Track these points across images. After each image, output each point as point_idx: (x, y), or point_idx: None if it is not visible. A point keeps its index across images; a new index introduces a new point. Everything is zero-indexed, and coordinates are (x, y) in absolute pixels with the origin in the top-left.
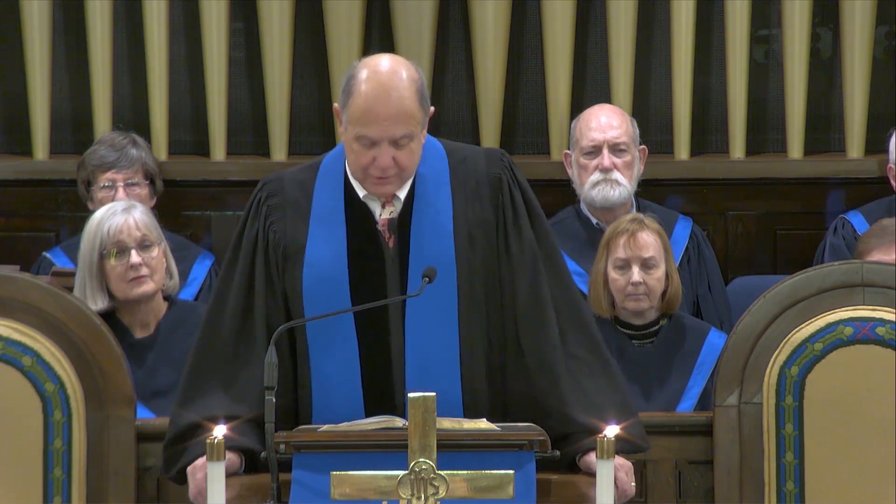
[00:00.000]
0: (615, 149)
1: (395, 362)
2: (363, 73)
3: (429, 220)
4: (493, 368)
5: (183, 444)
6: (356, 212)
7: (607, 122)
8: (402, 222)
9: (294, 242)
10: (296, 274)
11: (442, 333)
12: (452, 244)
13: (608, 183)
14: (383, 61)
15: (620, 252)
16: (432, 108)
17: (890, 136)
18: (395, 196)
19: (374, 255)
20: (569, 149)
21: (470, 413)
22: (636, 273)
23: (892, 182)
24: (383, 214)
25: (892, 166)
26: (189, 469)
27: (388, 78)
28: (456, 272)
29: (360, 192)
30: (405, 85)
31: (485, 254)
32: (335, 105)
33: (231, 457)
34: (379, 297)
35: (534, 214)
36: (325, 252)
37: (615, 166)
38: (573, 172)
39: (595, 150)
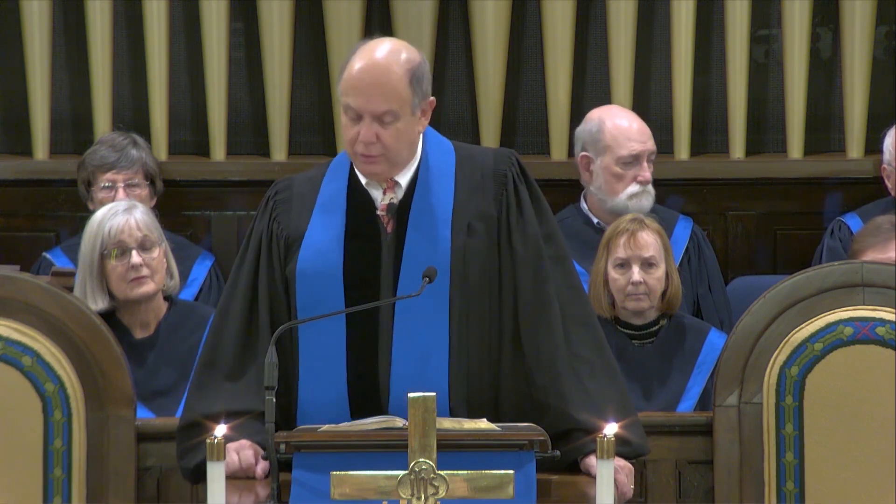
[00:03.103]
0: (649, 159)
1: (382, 353)
2: (360, 48)
3: (429, 207)
4: (487, 363)
5: (197, 435)
6: (358, 198)
7: (643, 130)
8: (403, 209)
9: (296, 231)
10: (295, 258)
11: (432, 324)
12: (449, 232)
13: (646, 194)
14: (384, 40)
15: (620, 252)
16: (433, 99)
17: (883, 135)
18: (396, 183)
19: (370, 239)
20: (572, 153)
21: (457, 409)
22: (636, 273)
23: (887, 182)
24: (384, 200)
25: (887, 166)
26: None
27: (380, 54)
28: (450, 259)
29: (363, 179)
30: (397, 62)
31: (484, 246)
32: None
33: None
34: (372, 281)
35: (542, 213)
36: (323, 235)
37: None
38: (596, 177)
39: (633, 161)
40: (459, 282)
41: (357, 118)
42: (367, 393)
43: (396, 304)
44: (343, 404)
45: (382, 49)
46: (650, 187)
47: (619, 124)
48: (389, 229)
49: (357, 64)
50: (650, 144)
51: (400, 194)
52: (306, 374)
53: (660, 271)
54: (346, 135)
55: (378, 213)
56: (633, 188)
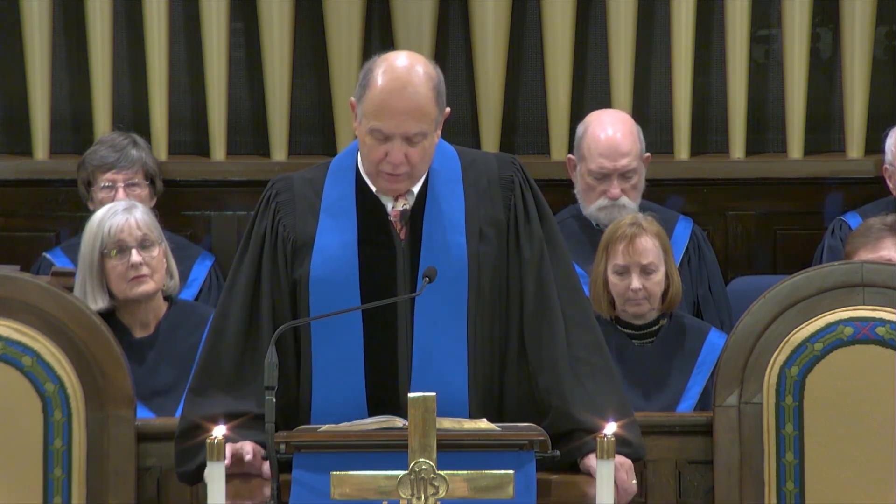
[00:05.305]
0: (623, 176)
1: (402, 358)
2: (381, 67)
3: (441, 213)
4: (495, 367)
5: (195, 439)
6: (367, 203)
7: (616, 147)
8: (414, 215)
9: (304, 235)
10: (305, 264)
11: (451, 329)
12: (464, 238)
13: (616, 208)
14: (401, 57)
15: (619, 258)
16: (448, 109)
17: (885, 136)
18: (408, 189)
19: (384, 246)
20: (571, 152)
21: (474, 412)
22: (635, 280)
23: (888, 183)
24: (396, 206)
25: (888, 167)
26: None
27: (404, 73)
28: (467, 266)
29: (373, 186)
30: (422, 81)
31: (495, 252)
32: (351, 99)
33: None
34: (389, 288)
35: (544, 216)
36: (334, 240)
37: (623, 192)
38: (577, 181)
39: (602, 177)
40: (475, 288)
41: (384, 139)
42: (386, 400)
43: (416, 310)
44: (361, 412)
45: (406, 68)
46: (625, 200)
47: (598, 137)
48: (403, 236)
49: (383, 85)
50: (622, 163)
51: (412, 201)
52: (322, 380)
53: (659, 276)
54: (370, 155)
55: (390, 219)
56: (602, 202)
